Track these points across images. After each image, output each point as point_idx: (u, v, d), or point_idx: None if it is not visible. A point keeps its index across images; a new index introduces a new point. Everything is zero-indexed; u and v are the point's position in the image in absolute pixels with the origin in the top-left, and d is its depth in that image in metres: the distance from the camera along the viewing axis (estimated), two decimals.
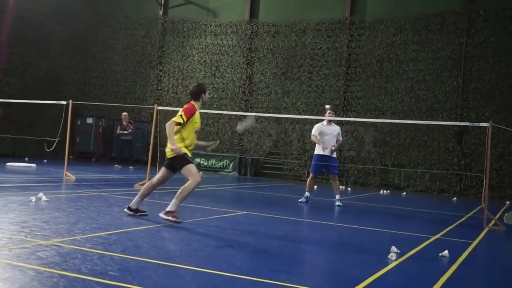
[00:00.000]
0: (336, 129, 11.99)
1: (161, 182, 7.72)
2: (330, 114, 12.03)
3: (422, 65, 19.20)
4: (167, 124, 7.39)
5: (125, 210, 7.79)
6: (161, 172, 7.67)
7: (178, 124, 7.38)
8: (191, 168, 7.37)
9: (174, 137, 7.39)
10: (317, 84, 20.84)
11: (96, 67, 24.61)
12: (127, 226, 6.86)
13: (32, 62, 22.14)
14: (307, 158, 20.27)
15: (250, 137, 21.82)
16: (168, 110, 22.15)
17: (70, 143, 14.37)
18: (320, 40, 20.97)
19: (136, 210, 7.77)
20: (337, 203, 11.74)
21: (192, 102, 7.66)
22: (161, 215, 7.35)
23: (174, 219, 7.27)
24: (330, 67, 20.74)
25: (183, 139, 7.47)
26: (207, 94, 7.83)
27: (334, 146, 11.77)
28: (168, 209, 7.34)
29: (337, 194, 11.90)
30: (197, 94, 7.66)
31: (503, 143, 17.64)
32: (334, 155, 11.99)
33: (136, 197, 7.80)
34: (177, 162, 7.43)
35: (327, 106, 13.18)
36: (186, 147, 7.49)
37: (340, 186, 13.25)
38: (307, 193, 11.98)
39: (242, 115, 21.33)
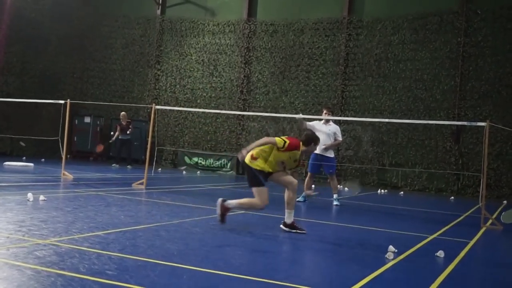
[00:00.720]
0: (332, 128, 11.91)
1: (286, 186, 7.50)
2: (326, 114, 11.99)
3: (419, 64, 19.22)
4: (267, 138, 7.39)
5: (281, 226, 7.54)
6: (279, 182, 7.58)
7: (277, 146, 7.25)
8: (262, 192, 7.39)
9: (262, 155, 7.33)
10: (315, 84, 20.85)
11: (94, 66, 24.59)
12: (125, 225, 6.86)
13: (30, 61, 22.12)
14: (304, 157, 20.22)
15: (247, 136, 21.82)
16: (166, 109, 22.25)
17: (68, 142, 14.35)
18: (318, 39, 20.98)
19: (292, 226, 7.45)
20: (335, 203, 11.75)
21: (301, 143, 7.52)
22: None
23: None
24: (328, 66, 20.75)
25: (266, 162, 7.33)
26: (314, 145, 7.69)
27: (325, 145, 11.71)
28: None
29: (334, 193, 11.91)
30: (308, 141, 7.53)
31: (500, 142, 17.67)
32: (331, 154, 11.97)
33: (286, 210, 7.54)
34: (249, 177, 7.46)
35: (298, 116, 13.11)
36: (264, 169, 7.34)
37: (338, 186, 13.26)
38: (304, 192, 11.99)
39: (240, 115, 21.39)
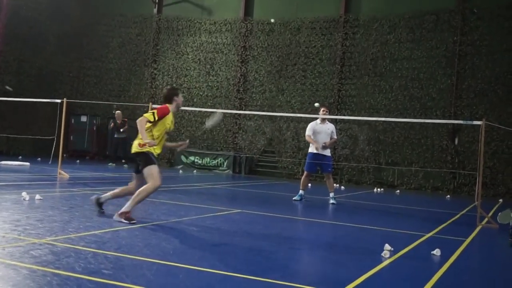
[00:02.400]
0: (330, 127, 11.94)
1: (138, 187, 7.41)
2: (324, 112, 12.00)
3: (416, 63, 19.25)
4: (138, 120, 7.17)
5: (92, 198, 7.65)
6: (135, 178, 7.52)
7: (149, 121, 7.22)
8: (153, 170, 7.15)
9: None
10: (311, 82, 20.87)
11: (91, 65, 24.57)
12: (121, 225, 6.86)
13: (27, 60, 22.07)
14: (301, 156, 20.29)
15: (244, 135, 21.84)
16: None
17: (64, 142, 14.33)
18: (314, 38, 20.99)
19: (101, 205, 7.62)
20: (331, 201, 11.75)
21: (167, 104, 7.54)
22: (115, 217, 7.11)
23: (127, 221, 7.00)
24: (324, 65, 20.76)
25: (152, 139, 7.24)
26: (180, 96, 7.65)
27: (325, 142, 11.73)
28: (122, 210, 7.09)
29: (331, 192, 11.91)
30: (169, 97, 7.55)
31: (496, 141, 17.71)
32: (328, 153, 11.96)
33: (109, 194, 7.63)
34: (141, 160, 7.23)
35: (316, 104, 13.25)
36: (154, 151, 7.30)
37: (334, 184, 13.28)
38: (301, 191, 11.99)
39: (236, 113, 21.40)
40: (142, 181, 7.33)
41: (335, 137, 12.09)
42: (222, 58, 22.65)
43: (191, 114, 22.80)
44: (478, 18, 18.50)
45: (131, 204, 7.12)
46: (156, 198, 10.24)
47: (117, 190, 7.65)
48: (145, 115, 7.22)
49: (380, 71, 19.80)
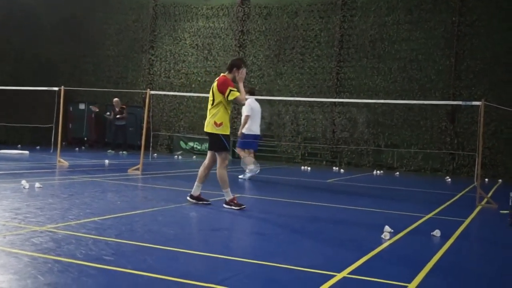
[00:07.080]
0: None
1: (211, 163, 7.82)
2: None
3: (414, 44, 19.15)
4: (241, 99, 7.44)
5: (188, 198, 7.98)
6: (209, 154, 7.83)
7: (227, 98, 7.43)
8: (224, 155, 7.61)
9: (219, 114, 7.48)
10: (309, 66, 20.78)
11: (88, 52, 24.42)
12: (121, 211, 6.87)
13: (23, 48, 21.94)
14: (300, 140, 20.31)
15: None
16: (160, 95, 22.18)
17: (62, 130, 14.30)
18: (312, 21, 20.87)
19: (198, 198, 7.95)
20: (240, 176, 12.44)
21: (225, 74, 7.62)
22: (225, 205, 7.71)
23: (237, 207, 7.58)
24: (322, 48, 20.66)
25: (227, 114, 7.57)
26: (242, 70, 7.57)
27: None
28: (227, 199, 7.72)
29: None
30: (230, 66, 7.63)
31: (496, 122, 17.68)
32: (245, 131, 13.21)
33: (195, 184, 7.96)
34: (216, 144, 7.57)
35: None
36: (226, 132, 7.59)
37: (334, 168, 13.29)
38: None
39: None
40: (214, 157, 7.72)
41: (244, 114, 13.35)
42: (220, 43, 22.54)
43: (190, 99, 22.73)
44: None
45: (227, 192, 7.67)
46: (156, 184, 10.26)
47: (199, 174, 7.88)
48: (231, 98, 7.31)
49: (378, 53, 19.71)
